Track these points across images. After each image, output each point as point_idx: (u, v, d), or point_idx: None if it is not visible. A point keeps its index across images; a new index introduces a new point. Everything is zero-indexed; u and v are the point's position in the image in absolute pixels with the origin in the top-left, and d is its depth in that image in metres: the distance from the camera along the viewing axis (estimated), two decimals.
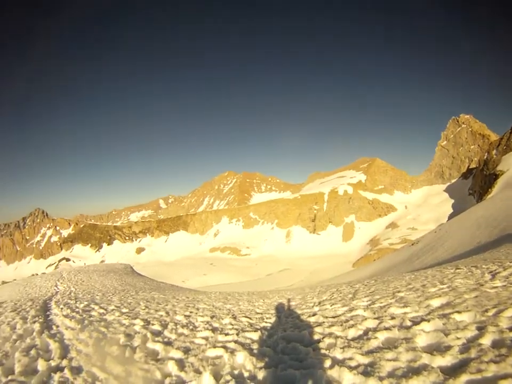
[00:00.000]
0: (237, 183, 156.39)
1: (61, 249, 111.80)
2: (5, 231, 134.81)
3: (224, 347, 3.04)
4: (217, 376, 2.39)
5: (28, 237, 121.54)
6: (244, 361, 2.64)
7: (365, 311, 3.62)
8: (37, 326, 4.22)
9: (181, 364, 2.72)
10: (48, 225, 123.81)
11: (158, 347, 3.21)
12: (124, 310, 5.44)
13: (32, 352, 3.11)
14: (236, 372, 2.46)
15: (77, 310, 5.59)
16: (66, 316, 4.93)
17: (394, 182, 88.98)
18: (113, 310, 5.55)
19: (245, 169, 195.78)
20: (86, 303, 6.52)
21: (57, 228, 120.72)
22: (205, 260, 75.14)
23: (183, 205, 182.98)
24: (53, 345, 3.33)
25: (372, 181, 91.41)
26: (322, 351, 2.56)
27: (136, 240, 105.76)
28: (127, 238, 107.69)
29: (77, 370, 2.69)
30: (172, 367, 2.63)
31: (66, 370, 2.63)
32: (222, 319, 4.49)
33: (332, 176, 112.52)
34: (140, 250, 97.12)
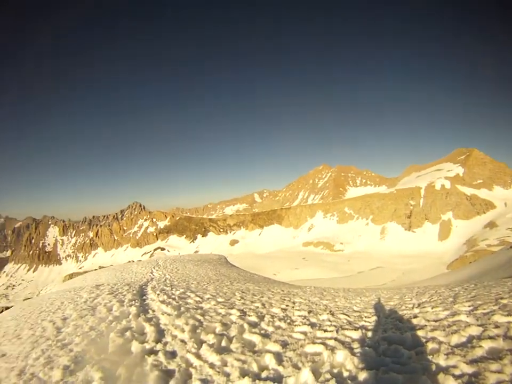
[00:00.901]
0: (332, 177, 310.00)
1: (157, 239, 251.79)
2: (103, 222, 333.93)
3: (324, 344, 6.84)
4: (316, 373, 5.66)
5: (125, 228, 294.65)
6: (344, 360, 5.98)
7: (467, 317, 6.94)
8: (133, 309, 10.77)
9: (278, 357, 6.51)
10: (145, 217, 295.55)
11: (255, 339, 7.61)
12: (220, 300, 11.86)
13: (127, 333, 8.58)
14: (335, 371, 5.71)
15: (173, 296, 12.66)
16: (162, 302, 11.66)
17: (493, 175, 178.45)
18: (209, 298, 12.22)
19: (340, 163, 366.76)
20: (182, 290, 14.24)
21: (154, 219, 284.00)
22: (298, 253, 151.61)
23: (277, 199, 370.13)
24: (149, 329, 8.87)
25: (470, 174, 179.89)
26: (426, 356, 5.53)
27: (230, 232, 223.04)
28: (221, 230, 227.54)
29: (171, 355, 7.21)
30: (269, 360, 6.43)
31: (160, 354, 7.20)
32: (320, 314, 9.36)
33: (429, 169, 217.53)
34: (233, 242, 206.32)
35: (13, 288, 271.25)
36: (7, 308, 30.62)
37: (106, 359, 7.28)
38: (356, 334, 7.21)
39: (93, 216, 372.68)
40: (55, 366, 7.39)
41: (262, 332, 8.00)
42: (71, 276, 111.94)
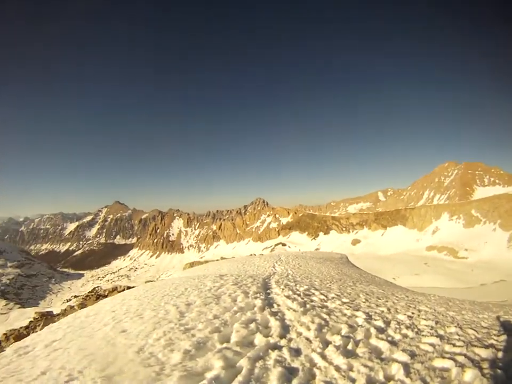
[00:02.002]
0: (458, 175, 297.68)
1: (278, 235, 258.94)
2: (227, 216, 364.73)
3: (453, 359, 6.31)
4: None
5: (248, 222, 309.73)
6: (473, 381, 5.47)
7: None
8: (258, 302, 10.90)
9: (406, 368, 6.09)
10: (268, 213, 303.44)
11: (382, 345, 7.20)
12: (345, 300, 11.63)
13: (252, 325, 8.70)
14: None
15: (298, 292, 12.61)
16: (288, 297, 11.70)
17: None
18: (333, 298, 12.03)
19: (467, 159, 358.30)
20: (306, 287, 14.12)
21: (277, 215, 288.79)
22: (419, 258, 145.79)
23: (402, 198, 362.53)
24: (273, 323, 8.88)
25: None
26: None
27: (352, 231, 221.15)
28: (343, 228, 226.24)
29: (295, 353, 7.10)
30: (396, 370, 6.06)
31: (284, 350, 7.16)
32: (447, 327, 8.72)
33: None
34: (355, 241, 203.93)
35: (135, 270, 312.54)
36: (128, 288, 32.86)
37: (229, 348, 7.36)
38: (486, 353, 6.62)
39: (217, 211, 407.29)
40: (175, 348, 7.68)
41: (389, 338, 7.69)
42: (192, 264, 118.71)
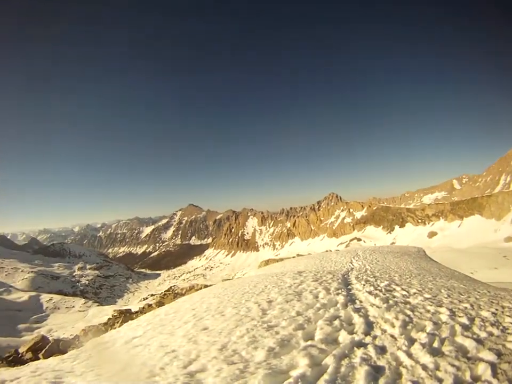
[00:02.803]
0: None
1: (353, 229, 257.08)
2: (301, 212, 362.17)
3: None
4: None
5: (322, 218, 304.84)
6: None
7: None
8: (340, 298, 10.77)
9: (493, 368, 5.71)
10: (341, 208, 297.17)
11: (468, 343, 6.76)
12: (427, 296, 11.12)
13: (336, 322, 8.57)
14: None
15: (379, 288, 12.29)
16: (369, 293, 11.43)
17: None
18: (415, 293, 11.53)
19: None
20: (386, 282, 13.71)
21: (351, 210, 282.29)
22: (498, 250, 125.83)
23: (477, 185, 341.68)
24: (357, 320, 8.70)
25: None
26: None
27: (428, 223, 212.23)
28: (419, 221, 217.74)
29: (380, 350, 6.87)
30: (483, 370, 5.68)
31: (369, 348, 6.97)
32: None
33: None
34: (431, 234, 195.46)
35: (210, 270, 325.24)
36: (205, 286, 33.49)
37: (314, 346, 7.28)
38: None
39: (290, 208, 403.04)
40: (259, 346, 7.71)
41: (474, 336, 7.25)
42: (267, 262, 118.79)
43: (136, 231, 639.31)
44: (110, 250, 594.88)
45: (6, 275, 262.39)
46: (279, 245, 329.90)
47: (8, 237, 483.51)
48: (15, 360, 16.54)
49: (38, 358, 16.08)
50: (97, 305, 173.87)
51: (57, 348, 17.00)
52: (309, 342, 7.54)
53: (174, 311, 15.15)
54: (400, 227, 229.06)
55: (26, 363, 15.17)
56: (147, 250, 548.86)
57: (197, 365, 7.48)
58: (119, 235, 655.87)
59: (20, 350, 19.54)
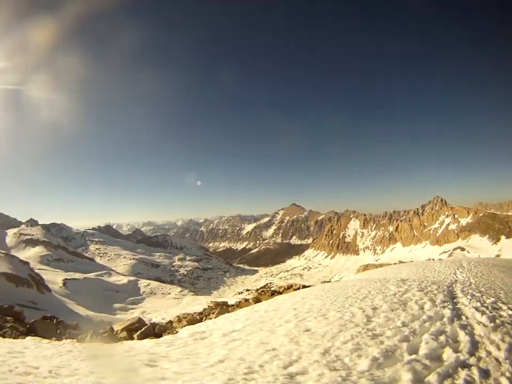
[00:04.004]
0: None
1: (457, 237, 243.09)
2: (404, 217, 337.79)
3: None
4: None
5: (425, 223, 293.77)
6: None
7: None
8: (447, 312, 10.33)
9: None
10: (446, 213, 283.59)
11: None
12: None
13: (441, 338, 8.30)
14: None
15: (485, 305, 11.56)
16: (476, 309, 10.80)
17: None
18: None
19: None
20: (492, 299, 12.80)
21: (456, 216, 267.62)
22: None
23: None
24: (463, 338, 8.31)
25: None
26: None
27: None
28: None
29: (484, 374, 6.57)
30: None
31: (474, 370, 6.66)
32: None
33: None
34: None
35: (308, 270, 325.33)
36: (304, 286, 33.54)
37: (418, 360, 7.12)
38: None
39: (394, 211, 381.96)
40: (363, 354, 7.65)
41: None
42: (366, 267, 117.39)
43: (237, 228, 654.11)
44: (210, 244, 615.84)
45: (108, 260, 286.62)
46: (379, 250, 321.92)
47: (114, 227, 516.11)
48: (110, 337, 17.43)
49: (132, 338, 16.87)
50: (192, 295, 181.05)
51: (153, 331, 17.76)
52: (413, 356, 7.39)
53: (274, 309, 15.37)
54: (506, 237, 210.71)
55: (119, 341, 15.98)
56: (247, 247, 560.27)
57: (298, 367, 7.53)
58: (220, 230, 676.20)
59: (115, 328, 20.50)
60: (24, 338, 16.19)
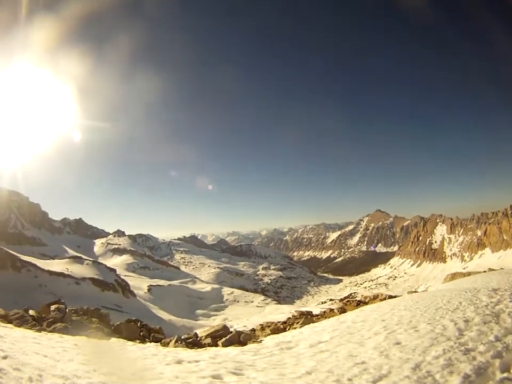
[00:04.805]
0: None
1: None
2: (492, 219, 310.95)
3: None
4: None
5: None
6: None
7: None
8: None
9: None
10: None
11: None
12: None
13: None
14: None
15: None
16: None
17: None
18: None
19: None
20: None
21: None
22: None
23: None
24: None
25: None
26: None
27: None
28: None
29: None
30: None
31: None
32: None
33: None
34: None
35: (394, 279, 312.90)
36: (390, 297, 32.85)
37: (510, 379, 6.97)
38: None
39: (481, 213, 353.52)
40: (455, 371, 7.40)
41: None
42: (454, 276, 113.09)
43: (322, 236, 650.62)
44: (295, 253, 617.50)
45: (193, 268, 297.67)
46: (467, 257, 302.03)
47: (199, 237, 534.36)
48: (194, 343, 17.75)
49: (217, 345, 17.06)
50: (275, 303, 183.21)
51: (238, 339, 17.86)
52: (505, 374, 7.10)
53: (361, 320, 15.16)
54: None
55: (203, 347, 16.32)
56: (331, 256, 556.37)
57: (387, 382, 7.42)
58: (305, 239, 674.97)
59: (199, 334, 20.83)
60: (109, 339, 16.80)
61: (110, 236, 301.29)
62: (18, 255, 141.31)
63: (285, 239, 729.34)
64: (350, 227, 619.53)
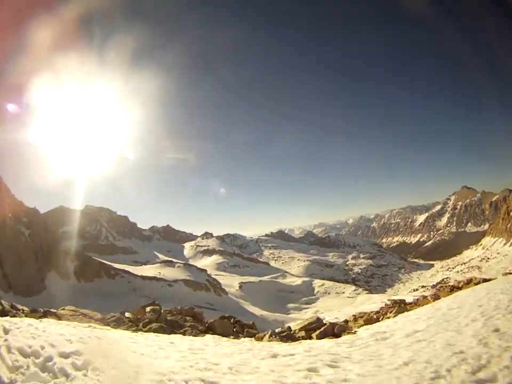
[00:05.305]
0: None
1: None
2: None
3: None
4: None
5: None
6: None
7: None
8: None
9: None
10: None
11: None
12: None
13: None
14: None
15: None
16: None
17: None
18: None
19: None
20: None
21: None
22: None
23: None
24: None
25: None
26: None
27: None
28: None
29: None
30: None
31: None
32: None
33: None
34: None
35: (486, 261, 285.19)
36: (485, 280, 31.58)
37: None
38: None
39: None
40: None
41: None
42: None
43: (409, 220, 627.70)
44: (383, 240, 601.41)
45: (282, 263, 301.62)
46: None
47: (286, 232, 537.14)
48: (288, 336, 17.80)
49: (311, 338, 17.02)
50: (366, 293, 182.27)
51: (332, 331, 17.72)
52: None
53: (457, 306, 14.63)
54: None
55: (297, 340, 16.35)
56: (421, 240, 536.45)
57: (487, 373, 7.10)
58: (392, 225, 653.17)
59: (293, 327, 20.93)
60: (203, 336, 17.23)
61: (199, 239, 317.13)
62: (111, 264, 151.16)
63: (372, 226, 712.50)
64: (437, 207, 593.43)
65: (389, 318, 20.99)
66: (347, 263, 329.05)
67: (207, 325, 22.13)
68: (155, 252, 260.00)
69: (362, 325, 20.58)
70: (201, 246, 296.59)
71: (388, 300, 37.23)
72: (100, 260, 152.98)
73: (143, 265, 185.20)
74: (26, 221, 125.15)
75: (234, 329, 21.63)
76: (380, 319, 22.64)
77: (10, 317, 16.79)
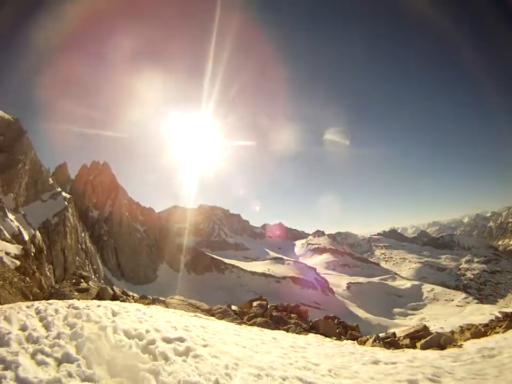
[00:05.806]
0: None
1: None
2: None
3: None
4: None
5: None
6: None
7: None
8: None
9: None
10: None
11: None
12: None
13: None
14: None
15: None
16: None
17: None
18: None
19: None
20: None
21: None
22: None
23: None
24: None
25: None
26: None
27: None
28: None
29: None
30: None
31: None
32: None
33: None
34: None
35: None
36: None
37: None
38: None
39: None
40: None
41: None
42: None
43: None
44: (500, 242, 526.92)
45: (393, 264, 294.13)
46: None
47: (399, 231, 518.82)
48: (391, 343, 17.27)
49: (415, 347, 16.43)
50: (476, 302, 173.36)
51: (438, 342, 16.98)
52: None
53: None
54: None
55: (400, 348, 15.89)
56: None
57: None
58: (510, 224, 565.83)
59: (397, 334, 20.33)
60: (306, 334, 17.26)
61: (310, 237, 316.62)
62: (222, 259, 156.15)
63: (488, 225, 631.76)
64: None
65: (497, 333, 19.85)
66: (460, 267, 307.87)
67: (311, 323, 22.27)
68: (266, 249, 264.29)
69: (468, 338, 19.57)
70: (312, 244, 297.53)
71: (499, 312, 35.10)
72: (211, 255, 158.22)
73: (253, 261, 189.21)
74: (142, 219, 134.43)
75: (338, 330, 21.51)
76: (488, 333, 21.50)
77: (121, 301, 17.70)
